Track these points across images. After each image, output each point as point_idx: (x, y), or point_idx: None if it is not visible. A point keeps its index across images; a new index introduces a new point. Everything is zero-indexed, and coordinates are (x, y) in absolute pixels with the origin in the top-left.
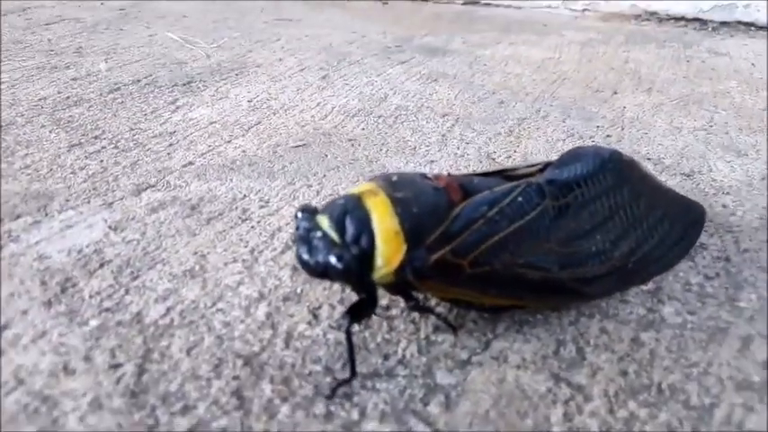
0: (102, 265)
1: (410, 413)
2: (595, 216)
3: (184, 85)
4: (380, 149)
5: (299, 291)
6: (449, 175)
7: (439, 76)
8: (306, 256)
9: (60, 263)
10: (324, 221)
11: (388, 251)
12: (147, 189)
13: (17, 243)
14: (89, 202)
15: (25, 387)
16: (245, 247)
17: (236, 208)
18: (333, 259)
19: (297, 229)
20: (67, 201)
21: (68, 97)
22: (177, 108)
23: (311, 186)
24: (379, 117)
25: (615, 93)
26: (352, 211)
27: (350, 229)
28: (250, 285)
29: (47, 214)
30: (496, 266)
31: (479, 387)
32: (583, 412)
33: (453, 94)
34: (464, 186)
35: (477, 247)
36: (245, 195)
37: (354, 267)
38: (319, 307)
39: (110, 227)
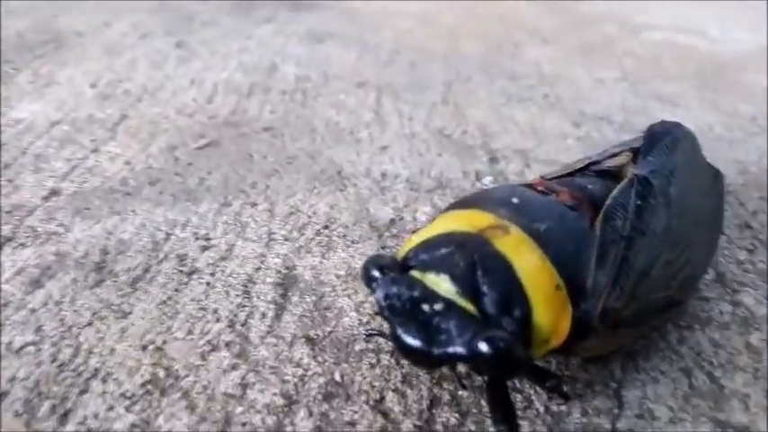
0: None
1: None
2: (686, 207)
3: None
4: (312, 138)
5: (338, 377)
6: (542, 178)
7: (324, 36)
8: (426, 345)
9: None
10: (441, 284)
11: (553, 316)
12: (4, 245)
13: None
14: None
15: None
16: (218, 321)
17: (167, 257)
18: (482, 345)
19: (386, 299)
20: None
21: None
22: None
23: (257, 205)
24: (284, 93)
25: (517, 46)
26: (484, 261)
27: (491, 292)
28: (262, 387)
29: None
30: (642, 299)
31: None
32: None
33: (353, 58)
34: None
35: (626, 281)
36: (168, 234)
37: (516, 352)
38: (381, 399)
39: None
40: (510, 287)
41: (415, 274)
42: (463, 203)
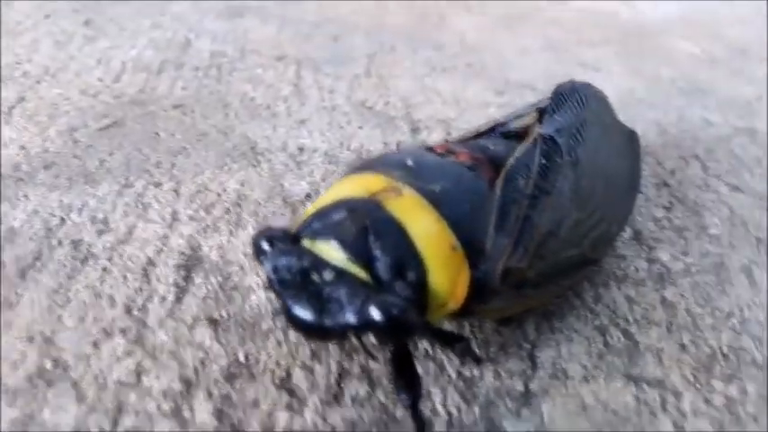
0: None
1: None
2: (596, 167)
3: None
4: (225, 114)
5: (242, 358)
6: (447, 141)
7: (243, 10)
8: (316, 317)
9: None
10: (332, 252)
11: (449, 278)
12: None
13: None
14: None
15: None
16: (113, 307)
17: (60, 243)
18: (374, 312)
19: (275, 272)
20: None
21: None
22: None
23: (162, 185)
24: (196, 70)
25: (442, 17)
26: (375, 226)
27: (383, 257)
28: (158, 373)
29: None
30: (548, 259)
31: (567, 428)
32: (685, 414)
33: (273, 31)
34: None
35: (530, 241)
36: (63, 219)
37: (410, 317)
38: (288, 376)
39: None
40: (403, 250)
41: (305, 243)
42: (358, 168)
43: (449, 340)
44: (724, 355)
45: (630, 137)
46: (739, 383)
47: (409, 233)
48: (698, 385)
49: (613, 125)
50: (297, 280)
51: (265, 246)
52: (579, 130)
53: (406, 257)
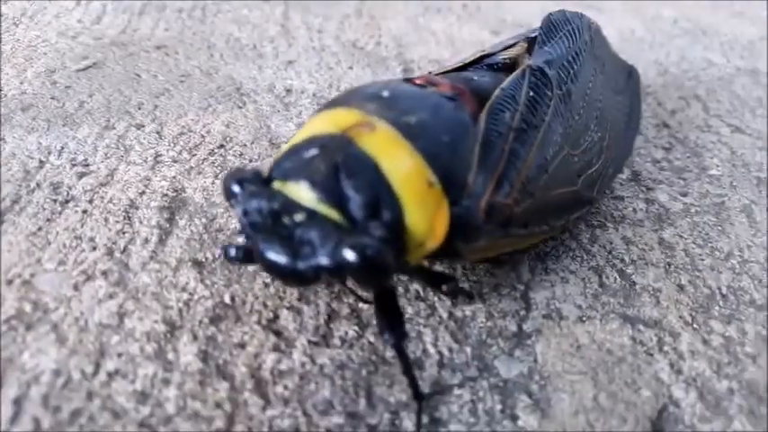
0: None
1: None
2: (591, 102)
3: None
4: (210, 55)
5: (228, 299)
6: (429, 73)
7: None
8: (288, 261)
9: None
10: (302, 193)
11: (427, 216)
12: None
13: None
14: None
15: None
16: (94, 249)
17: (39, 185)
18: (349, 254)
19: (245, 215)
20: None
21: None
22: None
23: (144, 127)
24: (180, 11)
25: None
26: (347, 163)
27: (355, 196)
28: (141, 315)
29: None
30: (536, 195)
31: (560, 366)
32: (683, 355)
33: None
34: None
35: (517, 176)
36: (42, 161)
37: (385, 257)
38: (275, 318)
39: None
40: (376, 188)
41: (276, 185)
42: (331, 103)
43: (437, 281)
44: (723, 296)
45: (629, 73)
46: (738, 324)
47: (382, 170)
48: (695, 326)
49: (609, 59)
50: (268, 223)
51: (236, 188)
52: (571, 63)
53: (380, 196)
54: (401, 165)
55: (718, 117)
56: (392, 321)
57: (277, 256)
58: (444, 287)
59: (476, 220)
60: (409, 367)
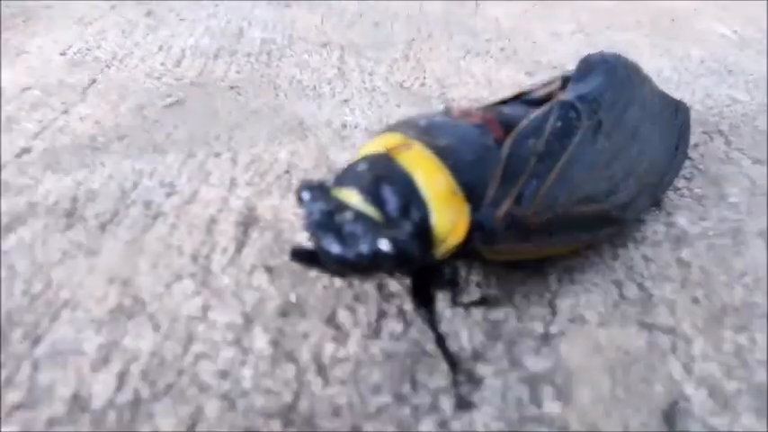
0: None
1: (528, 421)
2: (624, 131)
3: None
4: (275, 95)
5: (293, 299)
6: (468, 108)
7: (290, 1)
8: (338, 249)
9: None
10: (352, 197)
11: (450, 217)
12: None
13: None
14: None
15: None
16: (181, 256)
17: (134, 202)
18: (383, 244)
19: (309, 215)
20: None
21: None
22: None
23: (221, 155)
24: (249, 56)
25: (478, 5)
26: (386, 174)
27: (392, 199)
28: (222, 309)
29: None
30: (558, 210)
31: (582, 363)
32: (695, 359)
33: (318, 20)
34: (498, 119)
35: (537, 192)
36: (135, 183)
37: (413, 248)
38: (333, 315)
39: None
40: (408, 194)
41: (333, 191)
42: (383, 130)
43: (444, 281)
44: (735, 309)
45: (676, 107)
46: (749, 333)
47: (414, 179)
48: (708, 333)
49: (650, 94)
50: (324, 220)
51: (305, 195)
52: (603, 96)
53: (411, 199)
54: (430, 176)
55: (739, 150)
56: (424, 299)
57: (329, 245)
58: (455, 290)
59: (493, 225)
60: (441, 339)
